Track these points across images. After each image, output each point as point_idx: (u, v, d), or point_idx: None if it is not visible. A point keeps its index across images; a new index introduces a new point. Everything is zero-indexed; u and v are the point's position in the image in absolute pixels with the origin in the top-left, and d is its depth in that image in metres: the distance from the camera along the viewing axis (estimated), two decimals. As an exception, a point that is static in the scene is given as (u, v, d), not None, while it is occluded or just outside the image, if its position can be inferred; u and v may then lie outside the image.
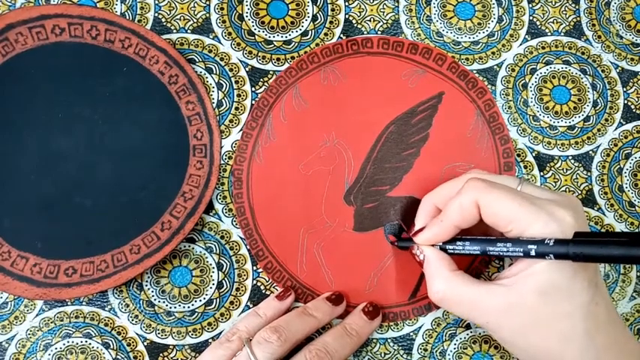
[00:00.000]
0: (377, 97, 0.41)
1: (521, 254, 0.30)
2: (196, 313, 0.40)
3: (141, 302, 0.39)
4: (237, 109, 0.41)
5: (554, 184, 0.41)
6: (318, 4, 0.42)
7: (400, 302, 0.40)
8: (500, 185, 0.32)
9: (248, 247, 0.40)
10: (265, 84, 0.41)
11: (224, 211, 0.40)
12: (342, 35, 0.42)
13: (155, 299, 0.39)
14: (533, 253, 0.29)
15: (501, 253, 0.31)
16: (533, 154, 0.41)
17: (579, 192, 0.42)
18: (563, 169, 0.42)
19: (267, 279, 0.40)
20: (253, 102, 0.41)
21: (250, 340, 0.35)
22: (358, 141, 0.41)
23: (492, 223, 0.32)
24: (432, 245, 0.35)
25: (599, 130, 0.42)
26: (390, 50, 0.41)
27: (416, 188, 0.40)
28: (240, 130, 0.41)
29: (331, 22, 0.42)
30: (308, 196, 0.40)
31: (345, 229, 0.40)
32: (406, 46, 0.41)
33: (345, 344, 0.36)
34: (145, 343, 0.39)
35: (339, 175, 0.40)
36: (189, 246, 0.40)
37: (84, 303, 0.39)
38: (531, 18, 0.43)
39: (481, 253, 0.33)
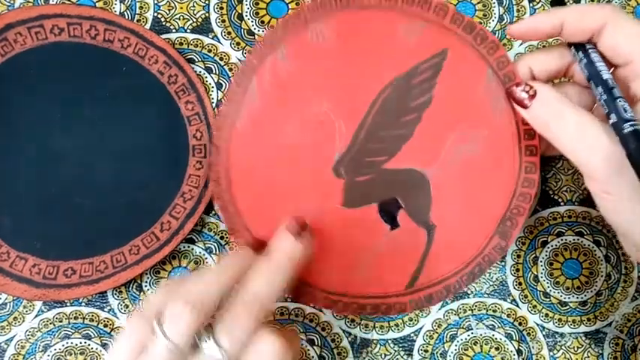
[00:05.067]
0: (371, 56, 0.35)
1: (607, 112, 0.29)
2: (196, 314, 0.39)
3: (140, 303, 0.39)
4: (236, 109, 0.41)
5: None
6: (318, 3, 0.42)
7: (396, 292, 0.36)
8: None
9: (223, 222, 0.37)
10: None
11: (224, 211, 0.40)
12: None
13: (154, 300, 0.39)
14: (613, 119, 0.28)
15: (598, 96, 0.30)
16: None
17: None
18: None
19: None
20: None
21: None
22: (351, 106, 0.35)
23: (610, 49, 0.30)
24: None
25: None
26: (383, 1, 0.35)
27: (417, 159, 0.35)
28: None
29: (331, 22, 0.42)
30: (293, 168, 0.35)
31: (333, 204, 0.35)
32: None
33: (273, 281, 0.30)
34: (145, 344, 0.39)
35: (329, 144, 0.35)
36: (189, 246, 0.40)
37: (83, 304, 0.39)
38: (532, 17, 0.42)
39: (588, 75, 0.31)
